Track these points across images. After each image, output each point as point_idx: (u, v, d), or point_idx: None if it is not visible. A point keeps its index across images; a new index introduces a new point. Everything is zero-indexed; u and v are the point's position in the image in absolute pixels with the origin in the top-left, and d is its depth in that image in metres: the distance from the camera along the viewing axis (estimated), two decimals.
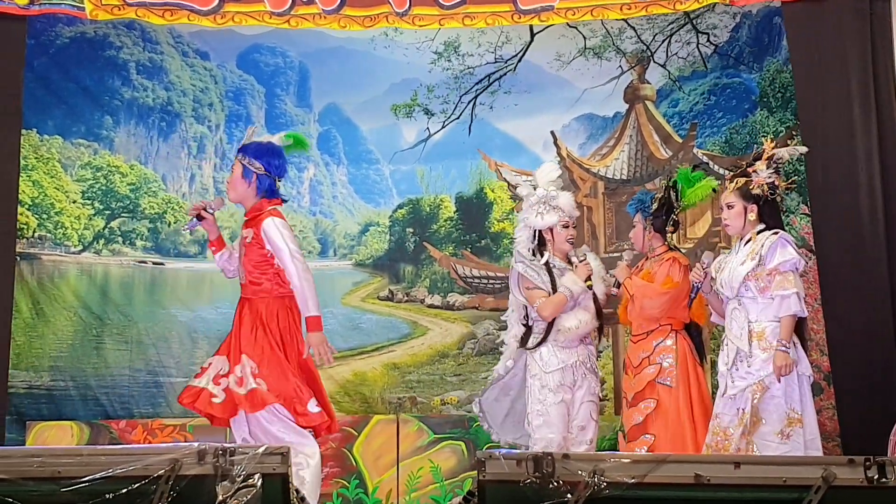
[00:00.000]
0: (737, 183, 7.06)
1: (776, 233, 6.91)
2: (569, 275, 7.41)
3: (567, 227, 7.48)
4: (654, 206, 7.64)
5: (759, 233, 6.95)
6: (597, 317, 7.50)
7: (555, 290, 7.38)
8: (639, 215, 7.78)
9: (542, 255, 7.49)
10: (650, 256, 7.74)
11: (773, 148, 7.07)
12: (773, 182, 6.97)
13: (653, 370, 7.39)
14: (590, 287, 7.40)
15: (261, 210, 7.18)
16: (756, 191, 6.97)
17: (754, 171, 7.02)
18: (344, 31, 9.56)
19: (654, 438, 7.32)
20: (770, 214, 7.01)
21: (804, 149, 7.67)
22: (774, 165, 7.01)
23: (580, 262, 7.47)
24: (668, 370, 7.40)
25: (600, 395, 7.67)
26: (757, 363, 6.81)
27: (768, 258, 6.84)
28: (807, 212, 9.45)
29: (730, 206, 7.07)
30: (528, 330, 7.52)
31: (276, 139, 7.36)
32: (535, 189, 7.62)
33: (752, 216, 6.99)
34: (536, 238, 7.53)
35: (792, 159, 7.36)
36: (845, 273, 8.79)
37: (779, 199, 7.08)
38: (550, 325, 7.41)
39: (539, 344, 7.43)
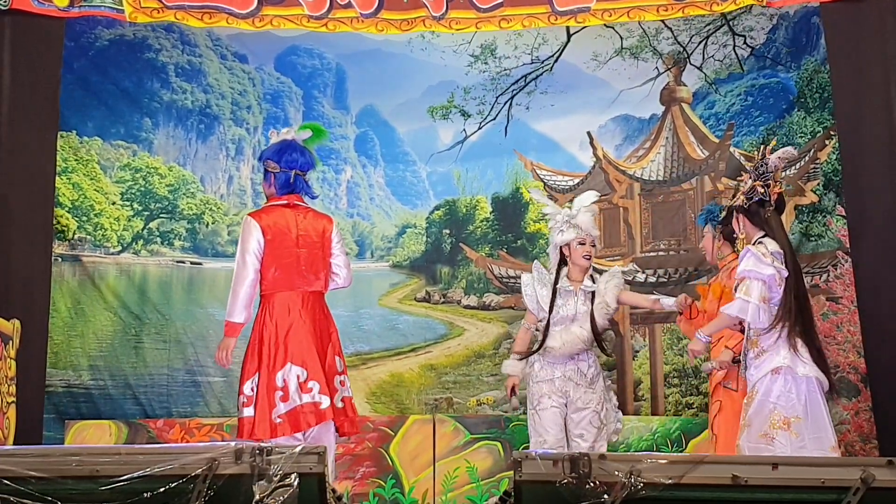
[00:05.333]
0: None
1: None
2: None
3: (584, 244, 7.50)
4: (724, 214, 7.50)
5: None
6: (593, 338, 7.48)
7: (552, 309, 7.44)
8: (708, 226, 7.79)
9: (558, 272, 7.55)
10: (720, 267, 7.68)
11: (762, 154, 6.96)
12: (754, 188, 6.88)
13: (721, 373, 7.36)
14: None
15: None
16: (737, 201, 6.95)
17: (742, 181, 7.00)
18: (381, 34, 9.60)
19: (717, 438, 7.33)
20: (755, 222, 6.91)
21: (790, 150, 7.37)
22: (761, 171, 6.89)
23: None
24: (731, 374, 7.36)
25: (605, 403, 7.50)
26: (751, 370, 6.79)
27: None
28: (843, 213, 9.40)
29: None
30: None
31: (290, 133, 7.32)
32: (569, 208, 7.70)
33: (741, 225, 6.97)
34: (559, 255, 7.60)
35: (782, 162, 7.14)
36: (882, 275, 8.69)
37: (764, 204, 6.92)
38: (544, 339, 7.50)
39: (534, 353, 7.57)
